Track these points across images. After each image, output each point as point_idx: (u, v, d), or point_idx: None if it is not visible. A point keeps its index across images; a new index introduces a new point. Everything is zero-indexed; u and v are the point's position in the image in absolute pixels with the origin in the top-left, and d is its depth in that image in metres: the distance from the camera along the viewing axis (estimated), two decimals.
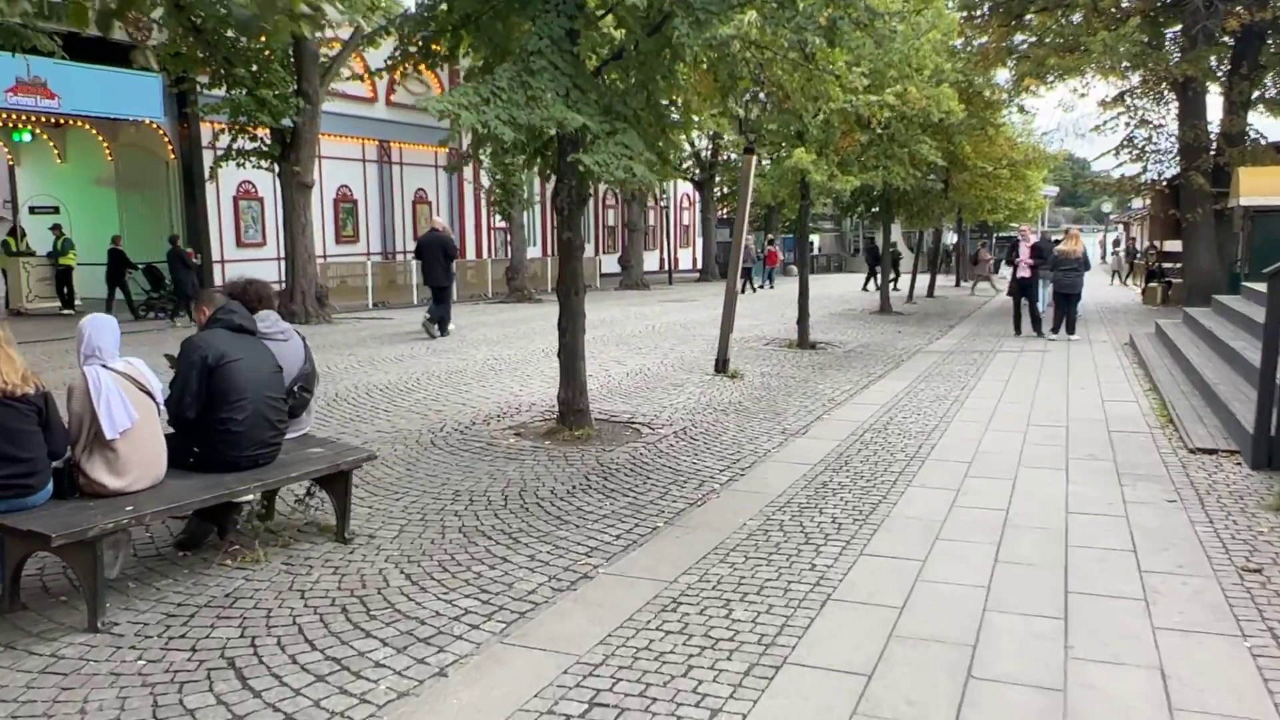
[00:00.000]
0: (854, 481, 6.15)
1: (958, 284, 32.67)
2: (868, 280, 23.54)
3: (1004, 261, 19.11)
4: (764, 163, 15.10)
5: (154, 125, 20.69)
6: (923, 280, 26.05)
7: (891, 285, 24.82)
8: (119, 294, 18.88)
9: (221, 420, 4.43)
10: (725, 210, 37.76)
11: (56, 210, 20.36)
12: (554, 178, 7.58)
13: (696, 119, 8.73)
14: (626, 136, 6.48)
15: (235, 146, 16.74)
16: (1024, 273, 15.30)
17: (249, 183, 22.62)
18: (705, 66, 7.19)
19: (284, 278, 17.76)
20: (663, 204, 38.81)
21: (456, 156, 7.55)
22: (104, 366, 4.10)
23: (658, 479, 6.29)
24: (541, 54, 6.41)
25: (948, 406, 8.92)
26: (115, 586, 4.23)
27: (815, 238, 50.28)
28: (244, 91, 15.79)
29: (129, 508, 3.92)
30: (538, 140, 7.56)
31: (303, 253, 17.10)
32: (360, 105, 23.67)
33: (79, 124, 21.36)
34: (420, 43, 7.93)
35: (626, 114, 6.76)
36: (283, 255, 17.96)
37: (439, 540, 5.00)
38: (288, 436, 5.11)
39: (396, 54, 7.88)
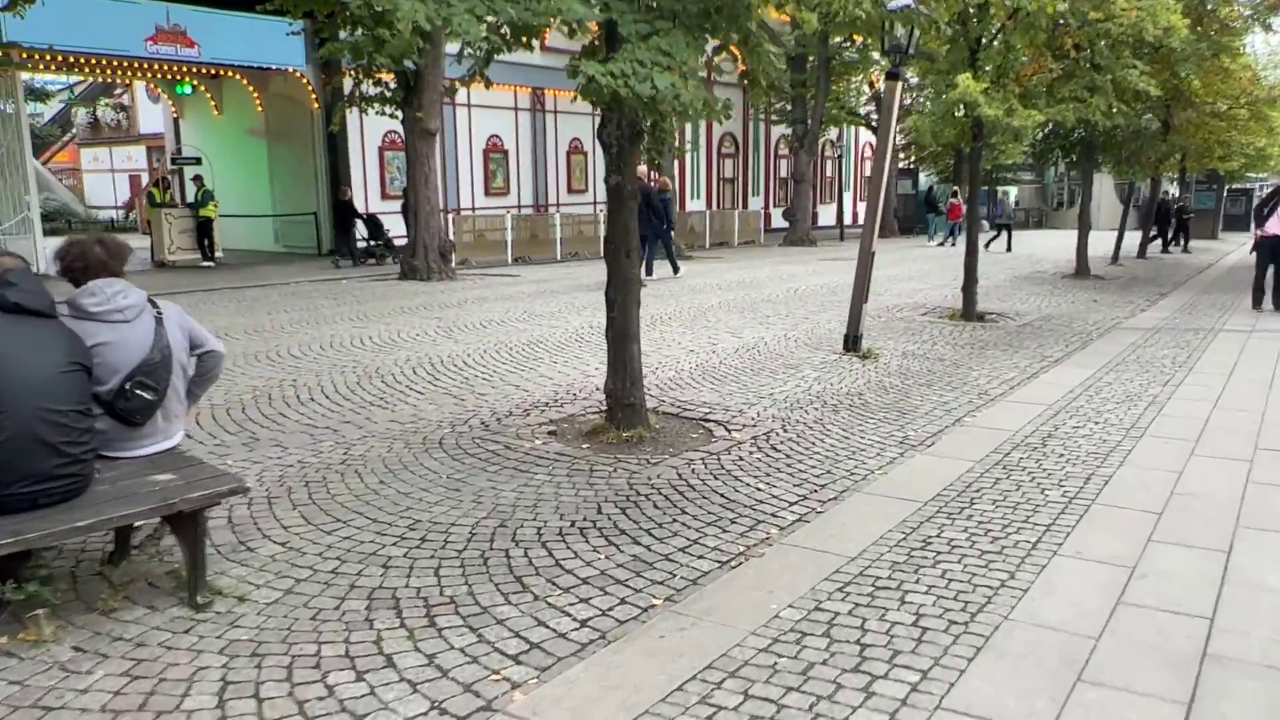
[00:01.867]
0: (972, 541, 4.19)
1: (1165, 248, 27.82)
2: (1152, 239, 21.50)
3: (1256, 215, 15.68)
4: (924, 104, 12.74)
5: (299, 74, 20.24)
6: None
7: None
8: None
9: None
10: (908, 160, 34.45)
11: (199, 161, 20.32)
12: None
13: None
14: (667, 39, 4.68)
15: (360, 91, 15.84)
16: (1277, 229, 12.11)
17: (394, 133, 21.90)
18: None
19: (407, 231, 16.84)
20: (839, 152, 36.04)
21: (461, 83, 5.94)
22: None
23: (696, 514, 4.56)
24: None
25: (1140, 412, 6.64)
26: None
27: (1013, 190, 45.86)
28: (363, 31, 14.77)
29: None
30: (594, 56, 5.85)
31: (425, 205, 16.06)
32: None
33: (233, 75, 21.24)
34: None
35: (677, 10, 4.93)
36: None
37: (327, 613, 3.49)
38: (142, 453, 3.73)
39: None
